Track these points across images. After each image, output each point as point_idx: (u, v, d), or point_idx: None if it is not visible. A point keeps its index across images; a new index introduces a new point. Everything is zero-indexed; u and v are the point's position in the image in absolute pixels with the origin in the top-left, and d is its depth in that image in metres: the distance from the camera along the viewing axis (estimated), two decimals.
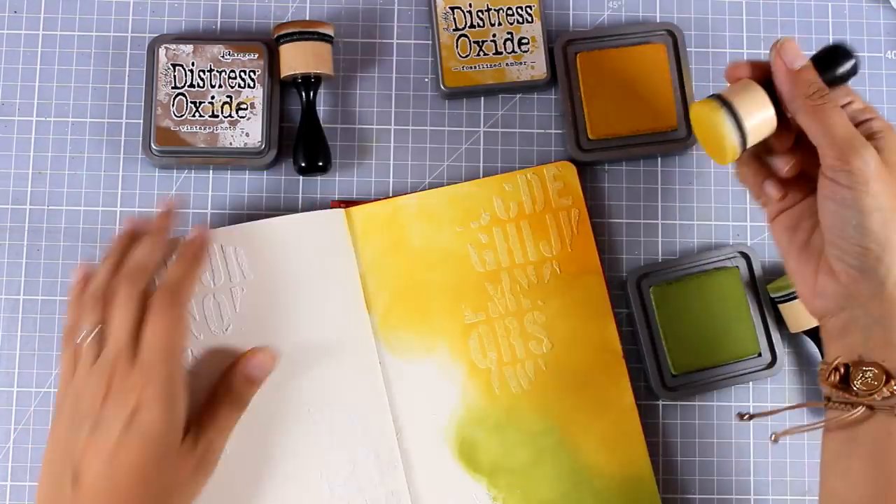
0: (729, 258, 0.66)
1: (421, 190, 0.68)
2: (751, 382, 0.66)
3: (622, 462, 0.64)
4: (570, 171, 0.67)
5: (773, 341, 0.65)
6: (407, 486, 0.63)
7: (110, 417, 0.54)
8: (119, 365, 0.55)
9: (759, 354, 0.65)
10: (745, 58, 0.69)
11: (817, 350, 0.66)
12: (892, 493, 0.49)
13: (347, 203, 0.66)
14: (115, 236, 0.60)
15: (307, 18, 0.69)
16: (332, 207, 0.66)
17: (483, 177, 0.68)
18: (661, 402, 0.66)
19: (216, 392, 0.60)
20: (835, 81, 0.54)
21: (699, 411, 0.66)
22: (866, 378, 0.50)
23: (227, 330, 0.63)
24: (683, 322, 0.65)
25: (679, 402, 0.66)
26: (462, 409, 0.64)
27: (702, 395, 0.66)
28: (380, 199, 0.67)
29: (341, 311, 0.64)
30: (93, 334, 0.56)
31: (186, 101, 0.66)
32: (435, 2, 0.68)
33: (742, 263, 0.66)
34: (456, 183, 0.67)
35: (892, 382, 0.49)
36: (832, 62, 0.54)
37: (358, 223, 0.65)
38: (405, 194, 0.67)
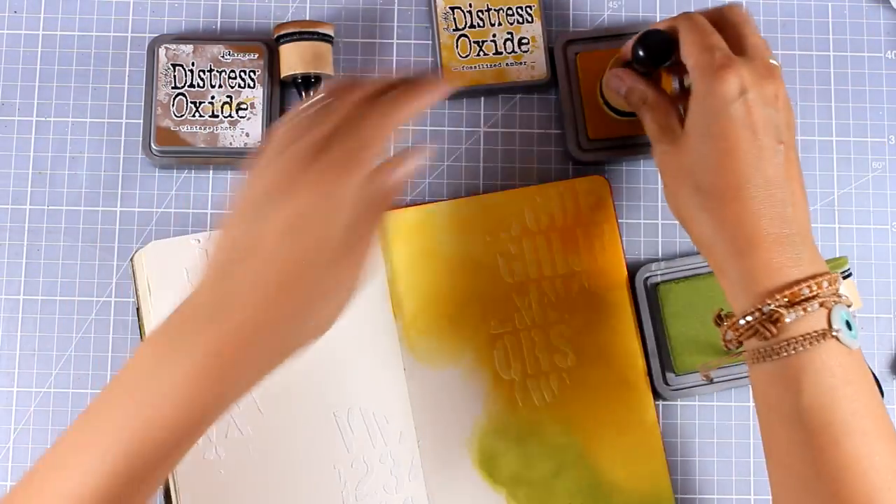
0: None
1: (421, 190, 0.68)
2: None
3: (642, 479, 0.64)
4: (603, 186, 0.66)
5: None
6: (426, 494, 0.63)
7: (303, 196, 0.48)
8: (330, 141, 0.49)
9: None
10: None
11: None
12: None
13: None
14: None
15: (307, 18, 0.69)
16: None
17: (483, 177, 0.68)
18: (660, 403, 0.66)
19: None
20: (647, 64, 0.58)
21: (699, 411, 0.66)
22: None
23: None
24: (689, 322, 0.65)
25: (679, 402, 0.66)
26: (484, 420, 0.64)
27: (703, 395, 0.66)
28: (409, 206, 0.66)
29: (368, 315, 0.64)
30: (316, 105, 0.51)
31: (186, 101, 0.66)
32: (435, 2, 0.68)
33: None
34: (457, 182, 0.67)
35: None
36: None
37: (388, 228, 0.65)
38: (435, 201, 0.66)
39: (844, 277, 0.64)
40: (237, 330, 0.47)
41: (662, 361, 0.65)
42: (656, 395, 0.65)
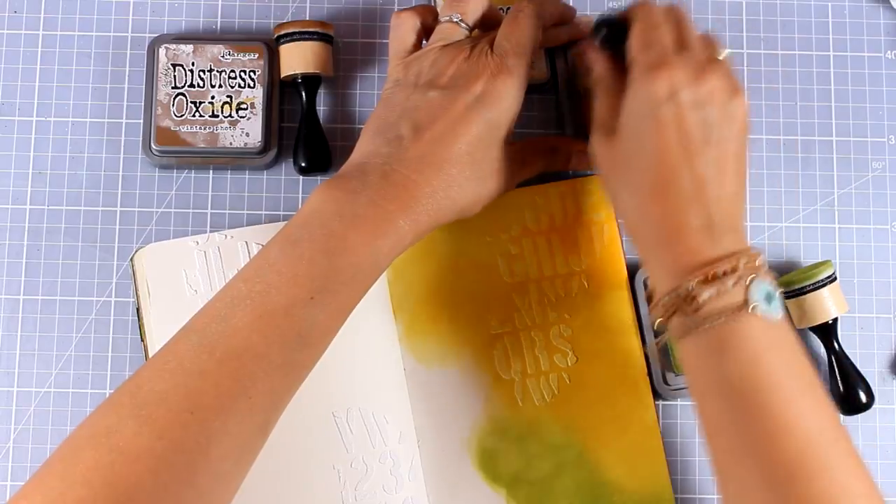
0: None
1: None
2: None
3: (642, 479, 0.64)
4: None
5: None
6: (426, 494, 0.63)
7: (459, 89, 0.56)
8: (477, 49, 0.57)
9: None
10: (744, 58, 0.69)
11: (824, 348, 0.66)
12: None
13: None
14: None
15: (307, 18, 0.69)
16: None
17: None
18: (660, 403, 0.66)
19: None
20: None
21: None
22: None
23: None
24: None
25: (679, 402, 0.66)
26: (484, 420, 0.64)
27: None
28: None
29: (368, 315, 0.64)
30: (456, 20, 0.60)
31: (186, 101, 0.66)
32: (435, 2, 0.68)
33: None
34: None
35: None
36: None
37: None
38: None
39: (830, 282, 0.64)
40: (406, 179, 0.54)
41: (662, 361, 0.65)
42: (656, 395, 0.65)
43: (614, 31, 0.58)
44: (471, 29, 0.60)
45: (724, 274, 0.51)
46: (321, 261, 0.51)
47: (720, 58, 0.55)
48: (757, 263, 0.52)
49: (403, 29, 0.60)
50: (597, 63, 0.59)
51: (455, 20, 0.59)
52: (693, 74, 0.53)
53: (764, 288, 0.51)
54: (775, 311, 0.51)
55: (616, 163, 0.55)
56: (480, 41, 0.58)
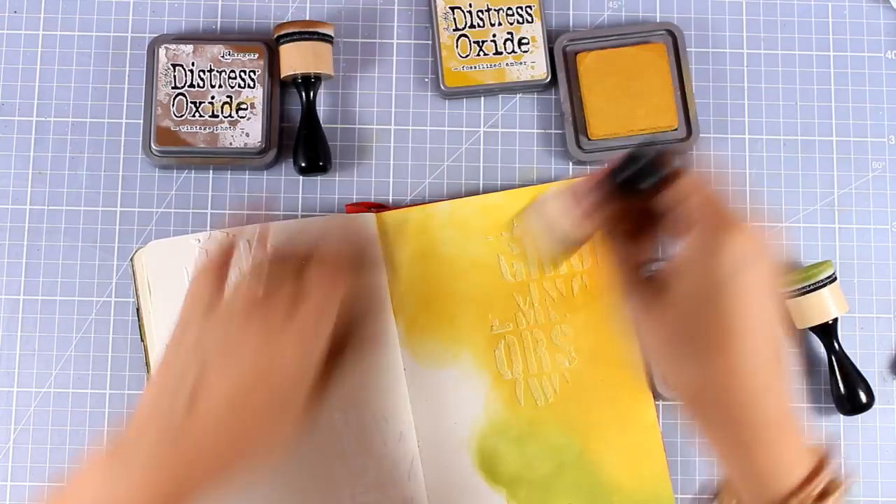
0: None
1: (421, 190, 0.68)
2: None
3: (642, 479, 0.64)
4: None
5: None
6: (426, 494, 0.63)
7: (250, 353, 0.52)
8: (276, 310, 0.53)
9: None
10: (744, 58, 0.69)
11: (824, 349, 0.66)
12: None
13: (367, 206, 0.66)
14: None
15: (307, 18, 0.69)
16: (347, 210, 0.66)
17: (483, 177, 0.68)
18: (660, 403, 0.66)
19: None
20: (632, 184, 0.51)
21: None
22: None
23: None
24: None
25: (679, 402, 0.66)
26: (484, 420, 0.64)
27: None
28: (410, 206, 0.67)
29: (367, 315, 0.64)
30: (251, 271, 0.56)
31: (186, 101, 0.66)
32: (435, 2, 0.68)
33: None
34: (457, 182, 0.67)
35: None
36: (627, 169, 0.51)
37: (388, 228, 0.65)
38: (435, 201, 0.66)
39: (830, 282, 0.64)
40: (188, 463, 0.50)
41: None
42: (656, 395, 0.65)
43: (644, 170, 0.51)
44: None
45: (821, 495, 0.48)
46: None
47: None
48: (839, 473, 0.49)
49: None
50: (613, 201, 0.52)
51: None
52: (760, 235, 0.48)
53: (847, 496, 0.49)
54: None
55: (675, 329, 0.49)
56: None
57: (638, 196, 0.51)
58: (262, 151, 0.66)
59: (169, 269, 0.64)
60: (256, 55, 0.66)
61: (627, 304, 0.52)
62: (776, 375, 0.48)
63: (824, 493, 0.48)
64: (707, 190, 0.49)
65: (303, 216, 0.67)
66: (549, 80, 0.68)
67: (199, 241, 0.65)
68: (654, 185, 0.50)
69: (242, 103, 0.66)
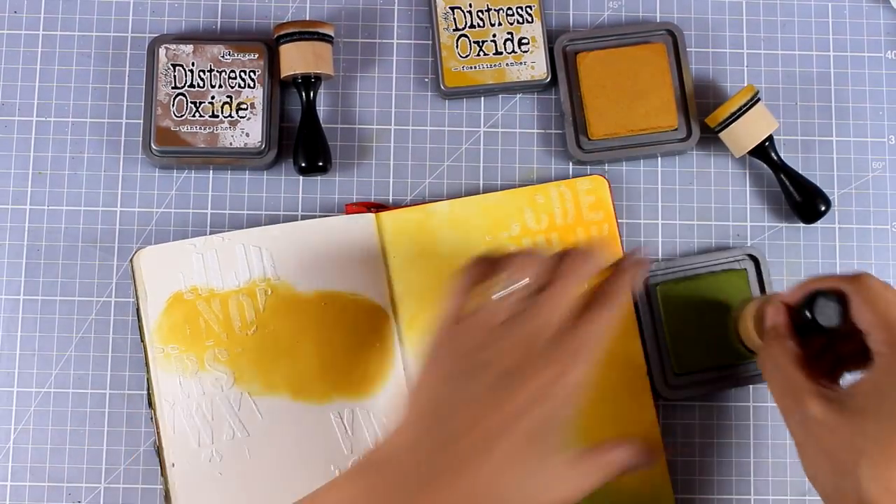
0: (738, 260, 0.66)
1: (421, 190, 0.68)
2: (751, 386, 0.66)
3: (642, 478, 0.64)
4: (602, 186, 0.67)
5: None
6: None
7: (519, 381, 0.50)
8: (544, 334, 0.51)
9: None
10: (744, 58, 0.69)
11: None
12: None
13: (367, 206, 0.66)
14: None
15: (307, 18, 0.69)
16: (347, 210, 0.66)
17: (483, 177, 0.68)
18: (661, 402, 0.66)
19: None
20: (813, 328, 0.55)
21: (699, 411, 0.66)
22: None
23: (251, 331, 0.63)
24: (689, 322, 0.65)
25: (680, 402, 0.66)
26: None
27: (703, 395, 0.66)
28: (409, 206, 0.67)
29: (367, 315, 0.64)
30: (519, 287, 0.53)
31: (186, 101, 0.66)
32: (435, 2, 0.68)
33: (750, 266, 0.66)
34: (457, 182, 0.67)
35: None
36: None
37: (387, 228, 0.65)
38: (435, 201, 0.66)
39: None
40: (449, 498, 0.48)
41: (662, 361, 0.65)
42: (656, 395, 0.65)
43: (827, 305, 0.54)
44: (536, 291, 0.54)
45: None
46: None
47: None
48: None
49: (460, 290, 0.55)
50: (781, 328, 0.55)
51: (516, 286, 0.53)
52: None
53: None
54: None
55: (847, 448, 0.48)
56: (533, 324, 0.52)
57: (822, 331, 0.54)
58: (262, 151, 0.66)
59: (166, 273, 0.64)
60: (256, 55, 0.66)
61: (793, 420, 0.53)
62: None
63: None
64: (873, 300, 0.52)
65: (303, 216, 0.67)
66: (549, 80, 0.68)
67: (195, 245, 0.65)
68: (836, 327, 0.54)
69: (242, 103, 0.66)
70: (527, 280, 0.53)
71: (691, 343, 0.64)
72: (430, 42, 0.69)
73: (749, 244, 0.67)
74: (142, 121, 0.67)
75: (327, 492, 0.51)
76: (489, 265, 0.55)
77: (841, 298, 0.54)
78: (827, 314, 0.54)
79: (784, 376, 0.53)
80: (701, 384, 0.65)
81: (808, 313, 0.54)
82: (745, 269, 0.66)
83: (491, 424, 0.49)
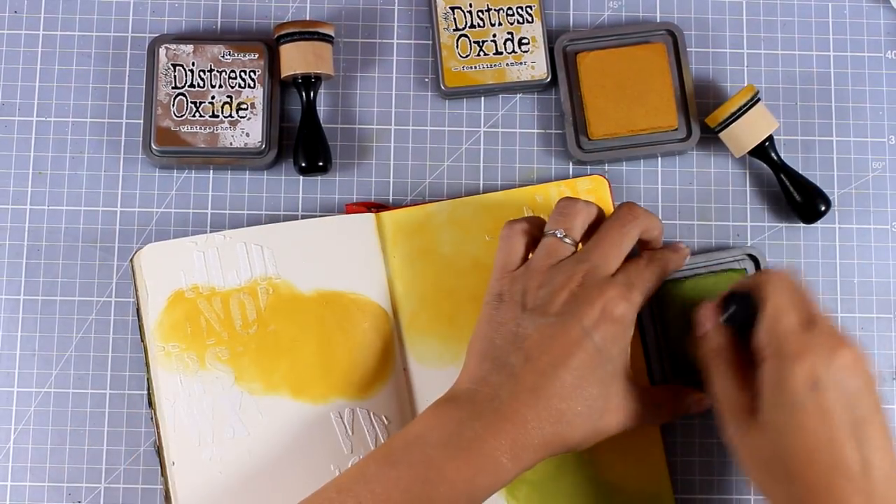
0: (737, 260, 0.66)
1: (421, 190, 0.68)
2: None
3: (642, 479, 0.64)
4: (602, 186, 0.67)
5: None
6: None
7: (570, 317, 0.54)
8: (589, 277, 0.55)
9: None
10: (744, 58, 0.69)
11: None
12: None
13: (367, 206, 0.66)
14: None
15: (307, 18, 0.69)
16: (347, 210, 0.66)
17: (483, 177, 0.68)
18: None
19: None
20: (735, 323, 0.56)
21: None
22: None
23: (252, 330, 0.63)
24: (689, 323, 0.64)
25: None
26: None
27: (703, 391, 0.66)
28: (409, 206, 0.67)
29: (367, 315, 0.64)
30: (568, 237, 0.58)
31: (187, 101, 0.66)
32: (435, 2, 0.68)
33: (750, 266, 0.66)
34: (457, 182, 0.67)
35: None
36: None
37: (387, 228, 0.65)
38: (435, 201, 0.66)
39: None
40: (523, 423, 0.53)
41: (663, 360, 0.65)
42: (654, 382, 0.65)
43: (742, 307, 0.56)
44: (576, 244, 0.58)
45: None
46: (416, 489, 0.51)
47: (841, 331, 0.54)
48: None
49: (514, 240, 0.58)
50: (716, 336, 0.57)
51: (559, 236, 0.57)
52: (829, 354, 0.52)
53: None
54: None
55: (765, 455, 0.52)
56: (588, 264, 0.56)
57: (744, 333, 0.56)
58: (262, 151, 0.66)
59: (167, 271, 0.64)
60: (256, 55, 0.66)
61: (725, 432, 0.55)
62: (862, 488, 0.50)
63: None
64: (774, 309, 0.54)
65: (303, 216, 0.67)
66: (549, 80, 0.68)
67: (196, 243, 0.65)
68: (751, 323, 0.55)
69: (242, 103, 0.66)
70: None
71: (692, 343, 0.64)
72: (430, 42, 0.69)
73: (749, 244, 0.67)
74: (142, 121, 0.67)
75: (409, 426, 0.54)
76: (534, 221, 0.60)
77: (753, 299, 0.55)
78: (735, 315, 0.56)
79: (722, 396, 0.56)
80: (701, 384, 0.65)
81: (726, 315, 0.56)
82: (745, 269, 0.66)
83: (565, 342, 0.54)
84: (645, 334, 0.65)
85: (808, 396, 0.51)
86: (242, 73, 0.66)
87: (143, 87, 0.67)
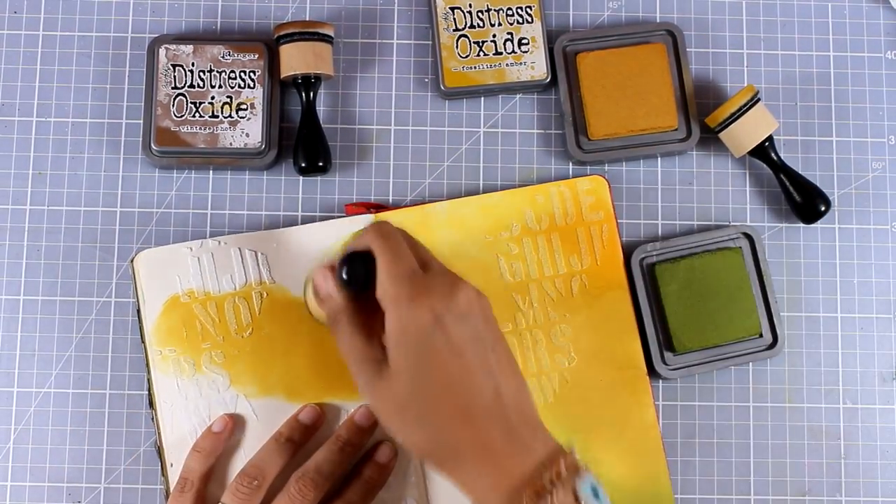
0: (732, 238, 0.66)
1: (421, 190, 0.68)
2: (750, 364, 0.66)
3: (641, 478, 0.64)
4: (602, 186, 0.67)
5: (775, 323, 0.66)
6: (427, 494, 0.63)
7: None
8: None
9: (761, 335, 0.65)
10: (744, 58, 0.69)
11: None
12: None
13: (367, 206, 0.66)
14: (306, 416, 0.63)
15: (307, 18, 0.69)
16: (347, 210, 0.66)
17: (483, 177, 0.68)
18: (660, 403, 0.66)
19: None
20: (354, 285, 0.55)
21: (699, 411, 0.66)
22: None
23: (247, 334, 0.63)
24: (687, 301, 0.65)
25: (679, 384, 0.66)
26: None
27: (702, 375, 0.66)
28: (409, 206, 0.67)
29: None
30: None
31: (186, 101, 0.66)
32: (435, 2, 0.68)
33: (745, 244, 0.66)
34: (457, 182, 0.67)
35: None
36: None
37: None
38: (436, 201, 0.66)
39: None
40: None
41: (660, 342, 0.65)
42: (655, 375, 0.65)
43: (359, 265, 0.54)
44: None
45: (552, 482, 0.50)
46: None
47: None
48: (574, 461, 0.51)
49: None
50: (336, 296, 0.56)
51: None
52: (447, 292, 0.52)
53: (589, 483, 0.51)
54: (601, 499, 0.51)
55: (400, 400, 0.52)
56: None
57: (365, 291, 0.54)
58: (262, 151, 0.66)
59: (162, 276, 0.64)
60: (256, 55, 0.66)
61: (359, 387, 0.54)
62: (501, 415, 0.52)
63: (557, 476, 0.50)
64: (388, 259, 0.53)
65: (303, 216, 0.67)
66: (549, 80, 0.68)
67: (191, 249, 0.65)
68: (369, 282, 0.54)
69: (242, 103, 0.66)
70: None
71: (689, 323, 0.64)
72: (430, 42, 0.69)
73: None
74: (142, 121, 0.67)
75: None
76: None
77: (370, 257, 0.54)
78: (354, 275, 0.54)
79: (350, 351, 0.55)
80: (698, 364, 0.65)
81: (343, 275, 0.54)
82: (741, 248, 0.66)
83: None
84: (642, 313, 0.65)
85: (434, 335, 0.51)
86: (242, 74, 0.66)
87: (143, 87, 0.67)
